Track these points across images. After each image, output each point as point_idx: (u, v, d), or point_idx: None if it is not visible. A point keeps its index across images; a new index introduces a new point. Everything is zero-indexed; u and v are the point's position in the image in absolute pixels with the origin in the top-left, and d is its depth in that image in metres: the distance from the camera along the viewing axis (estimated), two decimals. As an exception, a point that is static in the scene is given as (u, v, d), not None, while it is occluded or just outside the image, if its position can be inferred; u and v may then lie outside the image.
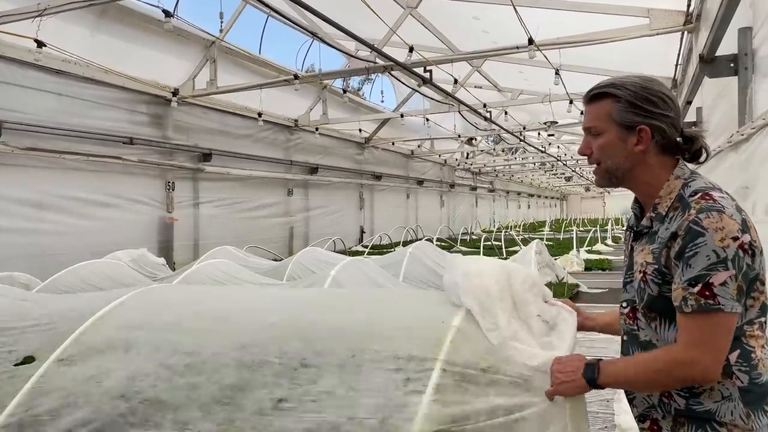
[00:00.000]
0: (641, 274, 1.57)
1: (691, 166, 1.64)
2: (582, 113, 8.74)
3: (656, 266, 1.52)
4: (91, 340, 2.67)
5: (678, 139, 1.59)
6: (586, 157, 1.72)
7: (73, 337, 2.91)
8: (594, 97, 1.62)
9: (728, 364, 1.46)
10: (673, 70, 10.18)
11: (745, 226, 1.42)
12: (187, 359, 2.21)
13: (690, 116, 7.74)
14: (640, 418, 1.63)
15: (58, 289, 5.68)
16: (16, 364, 2.98)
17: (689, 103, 7.02)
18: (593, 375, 1.59)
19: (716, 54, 4.66)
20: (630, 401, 1.67)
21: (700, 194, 1.47)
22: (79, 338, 2.94)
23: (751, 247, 1.42)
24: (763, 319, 1.50)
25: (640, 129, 1.55)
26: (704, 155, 1.61)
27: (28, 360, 2.97)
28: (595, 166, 1.67)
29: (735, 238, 1.40)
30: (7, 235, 7.56)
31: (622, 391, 1.76)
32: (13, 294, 3.80)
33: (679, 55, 9.08)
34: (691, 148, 1.59)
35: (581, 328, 1.89)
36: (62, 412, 2.37)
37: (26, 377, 2.74)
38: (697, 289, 1.41)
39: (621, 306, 1.68)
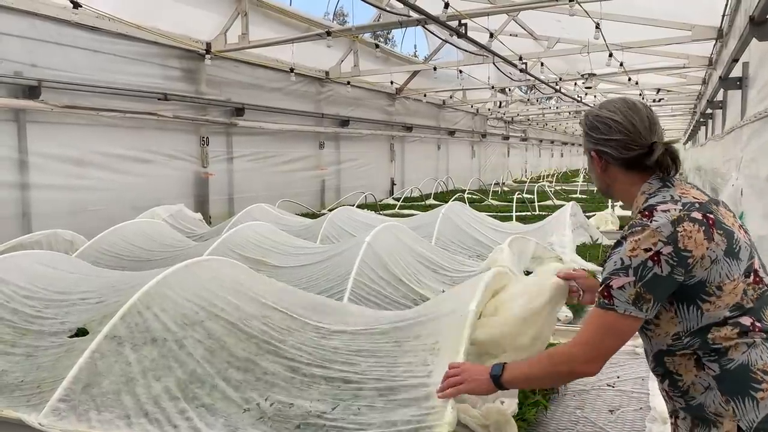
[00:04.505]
0: None
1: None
2: (621, 64, 8.45)
3: None
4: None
5: (635, 154, 1.68)
6: None
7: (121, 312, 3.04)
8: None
9: (698, 358, 1.55)
10: (719, 20, 9.73)
11: (673, 239, 1.51)
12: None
13: (736, 71, 7.44)
14: (670, 414, 1.74)
15: (102, 248, 5.88)
16: (70, 336, 3.15)
17: (735, 60, 6.74)
18: (498, 372, 1.83)
19: (768, 16, 4.45)
20: (664, 399, 1.77)
21: (643, 211, 1.59)
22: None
23: (674, 257, 1.50)
24: (736, 321, 1.54)
25: (591, 154, 1.76)
26: (672, 169, 1.68)
27: (82, 332, 3.13)
28: None
29: (647, 250, 1.51)
30: (49, 191, 7.77)
31: None
32: (61, 264, 3.96)
33: (726, 5, 8.66)
34: (652, 162, 1.67)
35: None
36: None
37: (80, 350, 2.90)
38: (601, 288, 1.59)
39: None
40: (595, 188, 1.87)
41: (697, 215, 1.55)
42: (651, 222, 1.54)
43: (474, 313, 2.47)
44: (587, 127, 1.75)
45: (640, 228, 1.54)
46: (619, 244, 1.58)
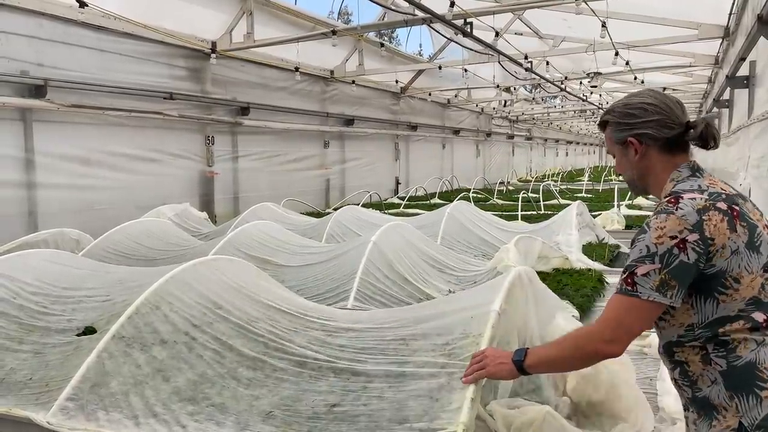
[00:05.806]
0: None
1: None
2: (627, 63, 8.45)
3: None
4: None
5: (675, 132, 1.71)
6: None
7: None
8: (601, 125, 1.84)
9: (707, 353, 1.57)
10: (726, 19, 9.70)
11: (699, 227, 1.53)
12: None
13: (743, 70, 7.41)
14: (684, 407, 1.75)
15: (108, 247, 5.89)
16: (78, 334, 3.15)
17: (743, 59, 6.72)
18: (521, 357, 1.84)
19: (777, 15, 4.43)
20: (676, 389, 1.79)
21: (669, 197, 1.62)
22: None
23: (701, 245, 1.53)
24: (749, 316, 1.56)
25: (629, 141, 1.75)
26: (711, 142, 1.73)
27: (89, 331, 3.14)
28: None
29: (673, 237, 1.53)
30: (56, 190, 7.78)
31: (664, 368, 1.85)
32: (67, 261, 3.97)
33: (733, 4, 8.62)
34: (695, 136, 1.72)
35: None
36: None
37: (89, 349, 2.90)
38: (625, 275, 1.60)
39: None
40: (625, 182, 1.87)
41: (723, 205, 1.58)
42: (677, 209, 1.56)
43: (496, 314, 2.46)
44: (619, 117, 1.76)
45: (665, 215, 1.57)
46: (643, 231, 1.60)
